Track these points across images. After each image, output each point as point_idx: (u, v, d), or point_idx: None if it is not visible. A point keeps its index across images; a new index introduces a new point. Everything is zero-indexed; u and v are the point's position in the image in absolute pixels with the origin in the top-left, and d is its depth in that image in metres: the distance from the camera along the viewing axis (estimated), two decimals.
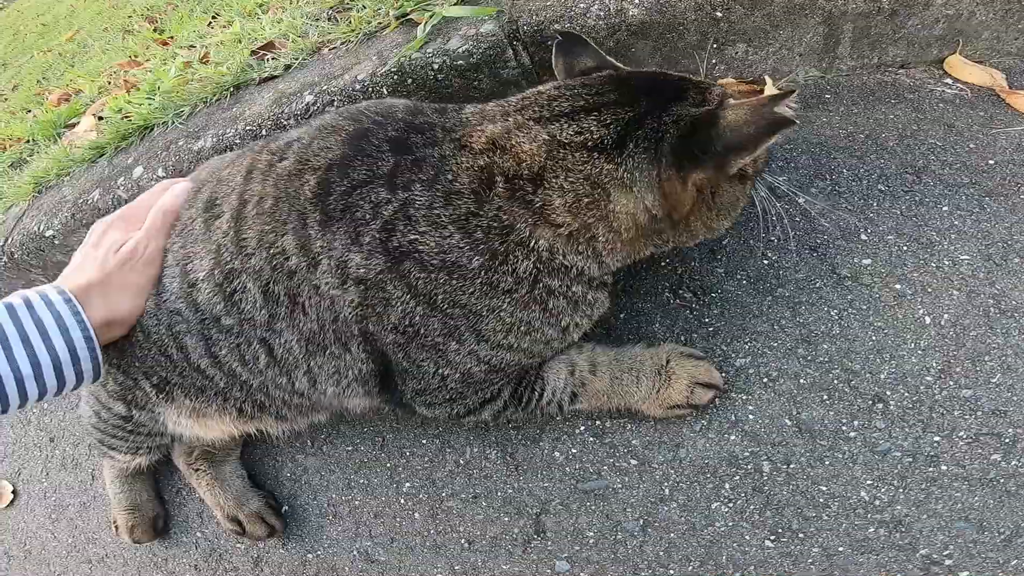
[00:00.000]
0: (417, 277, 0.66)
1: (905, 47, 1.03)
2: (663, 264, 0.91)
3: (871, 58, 1.04)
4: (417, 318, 0.68)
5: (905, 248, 0.85)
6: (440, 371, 0.73)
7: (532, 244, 0.66)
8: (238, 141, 1.08)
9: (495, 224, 0.65)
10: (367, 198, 0.66)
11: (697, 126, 0.65)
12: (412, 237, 0.65)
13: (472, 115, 0.71)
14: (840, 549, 0.73)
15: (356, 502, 0.97)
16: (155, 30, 2.02)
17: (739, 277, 0.87)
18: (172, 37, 1.81)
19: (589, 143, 0.66)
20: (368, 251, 0.66)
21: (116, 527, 1.10)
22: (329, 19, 1.22)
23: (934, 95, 1.01)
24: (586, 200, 0.66)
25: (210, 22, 1.67)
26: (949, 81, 1.04)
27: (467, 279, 0.66)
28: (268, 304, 0.71)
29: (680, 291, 0.89)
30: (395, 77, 1.00)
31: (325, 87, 1.04)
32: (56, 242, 1.29)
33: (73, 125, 1.64)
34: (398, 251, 0.65)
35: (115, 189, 1.19)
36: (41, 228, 1.29)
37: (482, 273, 0.66)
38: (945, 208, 0.87)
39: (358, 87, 1.01)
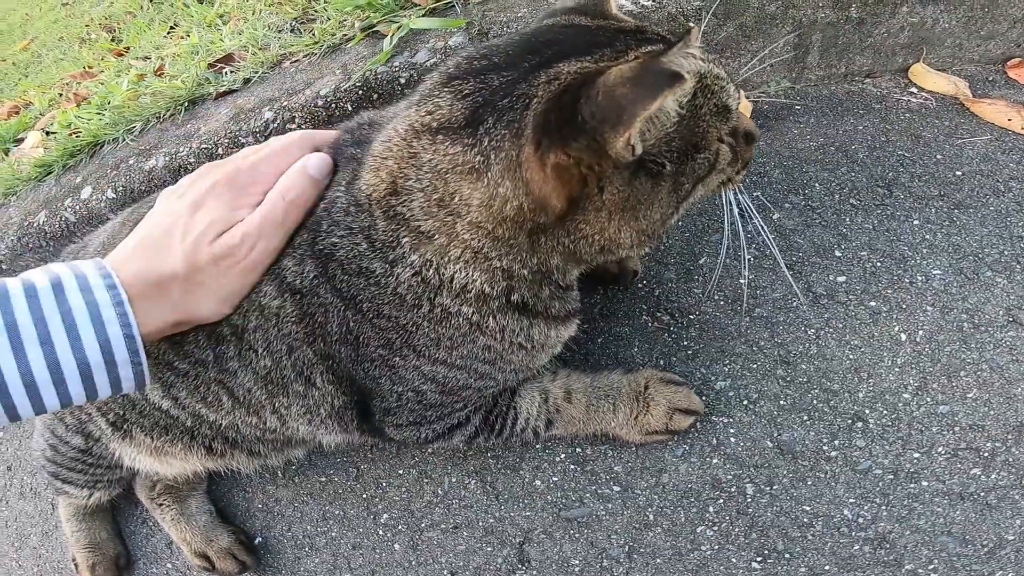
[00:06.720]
0: (341, 279, 0.62)
1: (872, 56, 1.04)
2: (640, 286, 0.89)
3: (839, 67, 1.05)
4: (351, 323, 0.63)
5: (879, 264, 0.85)
6: (395, 388, 0.69)
7: (413, 259, 0.59)
8: (192, 161, 1.03)
9: (387, 239, 0.60)
10: None
11: (567, 90, 0.50)
12: (333, 240, 0.61)
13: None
14: (826, 568, 0.73)
15: (333, 533, 0.94)
16: (113, 40, 1.94)
17: (717, 298, 0.86)
18: (128, 48, 1.73)
19: (434, 125, 0.56)
20: (299, 256, 0.62)
21: (76, 565, 1.05)
22: (292, 31, 1.18)
23: (900, 104, 1.02)
24: (435, 197, 0.56)
25: (168, 32, 1.60)
26: (914, 90, 1.04)
27: (380, 287, 0.61)
28: (212, 344, 0.66)
29: (658, 313, 0.87)
30: (360, 92, 0.96)
31: (285, 103, 1.00)
32: (3, 267, 1.22)
33: (22, 140, 1.56)
34: (323, 253, 0.61)
35: (62, 211, 1.13)
36: None
37: (389, 286, 0.61)
38: (916, 222, 0.88)
39: (320, 103, 0.97)
